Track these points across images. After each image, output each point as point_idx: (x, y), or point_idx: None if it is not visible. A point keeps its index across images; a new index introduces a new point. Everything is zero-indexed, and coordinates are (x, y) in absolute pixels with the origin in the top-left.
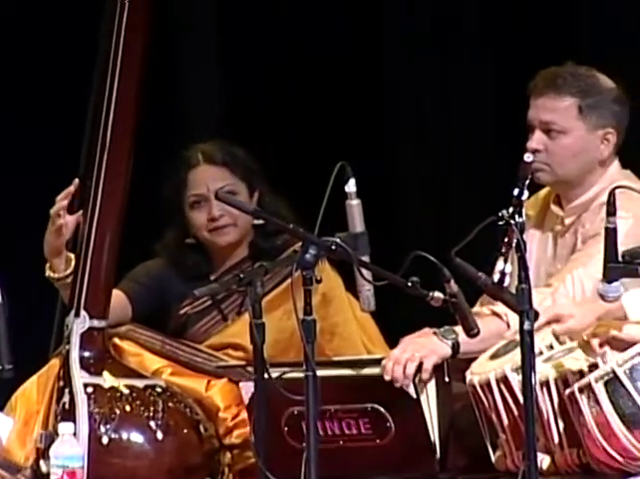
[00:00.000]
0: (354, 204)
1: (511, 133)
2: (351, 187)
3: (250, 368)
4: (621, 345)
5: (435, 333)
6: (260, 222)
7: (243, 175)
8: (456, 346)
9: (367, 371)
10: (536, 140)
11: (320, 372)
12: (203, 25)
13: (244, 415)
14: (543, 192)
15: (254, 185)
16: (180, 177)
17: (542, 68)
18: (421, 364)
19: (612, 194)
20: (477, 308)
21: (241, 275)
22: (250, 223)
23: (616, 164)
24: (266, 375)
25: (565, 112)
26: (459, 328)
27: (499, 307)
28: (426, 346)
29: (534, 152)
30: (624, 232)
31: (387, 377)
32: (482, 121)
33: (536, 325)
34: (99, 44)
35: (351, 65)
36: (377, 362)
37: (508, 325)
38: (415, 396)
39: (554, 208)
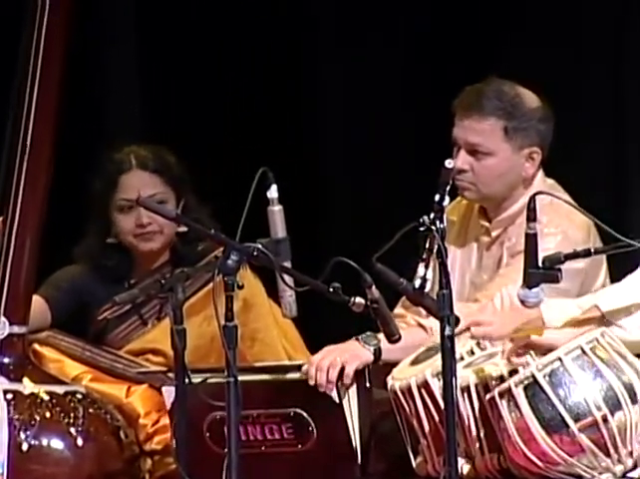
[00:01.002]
0: (276, 209)
1: (432, 139)
2: (273, 193)
3: (171, 374)
4: (541, 350)
5: (357, 339)
6: (184, 229)
7: (173, 183)
8: (378, 352)
9: (290, 376)
10: (462, 160)
11: (243, 377)
12: (123, 29)
13: (165, 421)
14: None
15: (182, 192)
16: (111, 179)
17: (463, 71)
18: (343, 369)
19: (532, 199)
20: (399, 310)
21: (162, 281)
22: (176, 230)
23: (540, 176)
24: (188, 381)
25: (491, 134)
26: (381, 334)
27: (427, 321)
28: (348, 351)
29: (460, 172)
30: (553, 248)
31: (311, 382)
32: (404, 127)
33: (456, 331)
34: (19, 47)
35: (270, 69)
36: (298, 368)
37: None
38: (338, 401)
39: (480, 218)
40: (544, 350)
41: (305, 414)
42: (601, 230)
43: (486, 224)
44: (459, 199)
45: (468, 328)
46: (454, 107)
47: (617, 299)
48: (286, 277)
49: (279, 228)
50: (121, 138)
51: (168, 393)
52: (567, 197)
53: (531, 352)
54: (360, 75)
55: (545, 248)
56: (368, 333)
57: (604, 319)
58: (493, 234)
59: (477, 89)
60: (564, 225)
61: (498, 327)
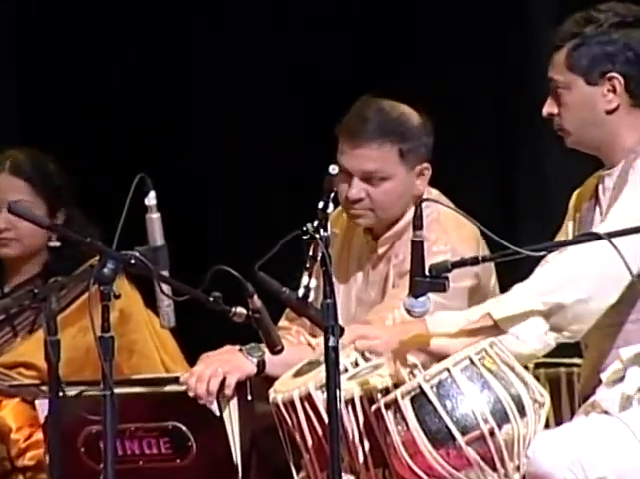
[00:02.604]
0: (154, 217)
1: (319, 148)
2: (150, 199)
3: (45, 387)
4: (434, 357)
5: (240, 350)
6: (56, 244)
7: (47, 192)
8: (261, 364)
9: (169, 388)
10: (357, 188)
11: (120, 390)
12: None
13: (38, 436)
14: None
15: (59, 202)
16: None
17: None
18: (224, 381)
19: (418, 207)
20: (283, 323)
21: (36, 291)
22: (40, 240)
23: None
24: (62, 394)
25: (388, 159)
26: (265, 346)
27: (316, 340)
28: (230, 362)
29: (356, 201)
30: None
31: (191, 394)
32: (289, 135)
33: (341, 343)
34: None
35: (156, 72)
36: (177, 381)
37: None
38: (218, 414)
39: (364, 234)
40: (437, 358)
41: (184, 428)
42: (490, 241)
43: (372, 240)
44: (340, 208)
45: (352, 342)
46: (337, 130)
47: (510, 307)
48: (164, 287)
49: (157, 235)
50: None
51: (42, 407)
52: (452, 205)
53: (418, 363)
54: (236, 75)
55: None
56: (252, 345)
57: (497, 328)
58: (380, 251)
59: (358, 114)
60: (453, 241)
61: (384, 341)
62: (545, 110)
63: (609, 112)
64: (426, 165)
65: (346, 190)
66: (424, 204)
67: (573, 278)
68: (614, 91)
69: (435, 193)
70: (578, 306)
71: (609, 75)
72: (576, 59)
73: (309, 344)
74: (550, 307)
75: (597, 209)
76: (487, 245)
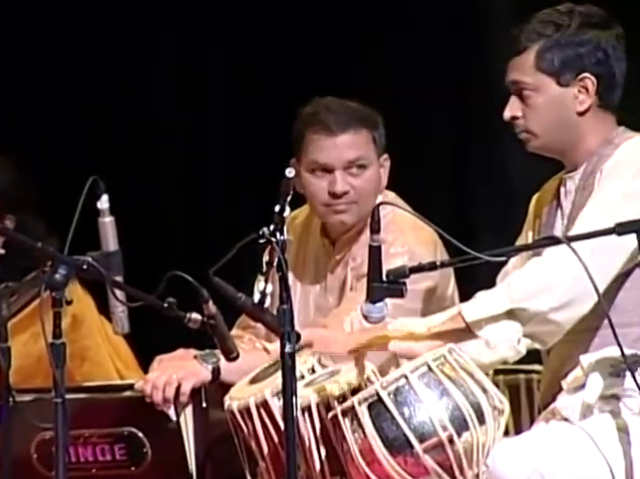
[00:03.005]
0: (106, 221)
1: (271, 153)
2: (103, 203)
3: None
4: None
5: (195, 356)
6: (0, 251)
7: None
8: (216, 371)
9: (123, 394)
10: (341, 181)
11: (73, 395)
12: None
13: None
14: (301, 216)
15: (7, 208)
16: None
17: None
18: (179, 387)
19: (376, 210)
20: (236, 331)
21: None
22: None
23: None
24: (13, 401)
25: (367, 145)
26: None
27: (273, 345)
28: (184, 368)
29: (342, 195)
30: None
31: (147, 400)
32: (242, 139)
33: (297, 347)
34: None
35: (105, 73)
36: (130, 387)
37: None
38: (175, 420)
39: (322, 238)
40: (405, 357)
41: (140, 434)
42: (449, 244)
43: (329, 244)
44: (292, 215)
45: (309, 345)
46: (303, 132)
47: (482, 310)
48: (118, 292)
49: (110, 240)
50: None
51: None
52: (410, 209)
53: (375, 370)
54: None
55: None
56: (207, 351)
57: (468, 330)
58: (338, 255)
59: (324, 108)
60: (410, 242)
61: (343, 345)
62: (507, 113)
63: (580, 113)
64: (386, 156)
65: (325, 188)
66: (380, 206)
67: (548, 286)
68: (586, 92)
69: (391, 195)
70: (552, 314)
71: (582, 76)
72: (547, 60)
73: (265, 349)
74: (524, 314)
75: (559, 212)
76: (447, 251)
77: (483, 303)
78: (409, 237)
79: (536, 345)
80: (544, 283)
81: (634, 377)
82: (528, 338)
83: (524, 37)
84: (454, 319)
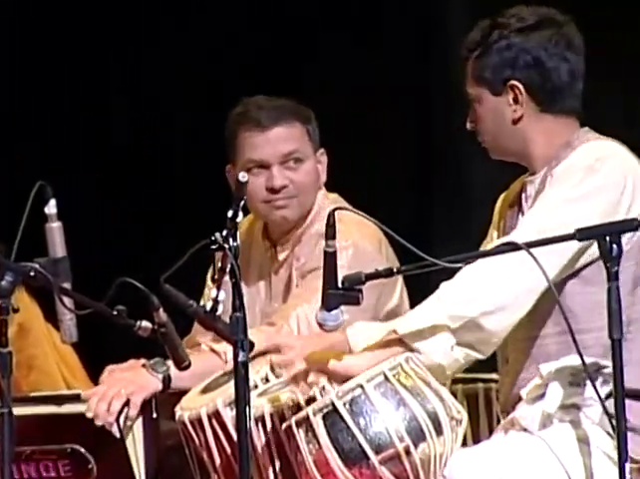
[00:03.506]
0: (54, 226)
1: (203, 160)
2: (51, 208)
3: None
4: (338, 377)
5: (144, 366)
6: None
7: None
8: (167, 380)
9: (68, 409)
10: (280, 176)
11: (17, 410)
12: None
13: None
14: (243, 226)
15: None
16: None
17: None
18: (128, 402)
19: (332, 215)
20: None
21: None
22: None
23: (322, 190)
24: None
25: (301, 138)
26: (170, 361)
27: (220, 345)
28: (134, 381)
29: (280, 189)
30: (346, 263)
31: (89, 414)
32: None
33: (252, 354)
34: None
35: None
36: (77, 398)
37: (227, 363)
38: (118, 436)
39: (264, 242)
40: (341, 378)
41: (83, 450)
42: (394, 241)
43: (272, 247)
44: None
45: (265, 352)
46: (235, 131)
47: (415, 322)
48: (66, 300)
49: (58, 246)
50: None
51: None
52: (362, 213)
53: (325, 379)
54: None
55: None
56: (156, 359)
57: (403, 343)
58: (280, 257)
59: (254, 106)
60: (354, 236)
61: (301, 352)
62: (467, 124)
63: (515, 121)
64: (322, 151)
65: (263, 184)
66: (329, 209)
67: (479, 291)
68: (516, 99)
69: (333, 196)
70: (484, 319)
71: (510, 83)
72: (480, 70)
73: (212, 350)
74: (456, 321)
75: (520, 216)
76: (404, 258)
77: (416, 315)
78: (352, 231)
79: (475, 354)
80: (476, 288)
81: (594, 386)
82: (464, 347)
83: (464, 47)
84: (389, 334)
